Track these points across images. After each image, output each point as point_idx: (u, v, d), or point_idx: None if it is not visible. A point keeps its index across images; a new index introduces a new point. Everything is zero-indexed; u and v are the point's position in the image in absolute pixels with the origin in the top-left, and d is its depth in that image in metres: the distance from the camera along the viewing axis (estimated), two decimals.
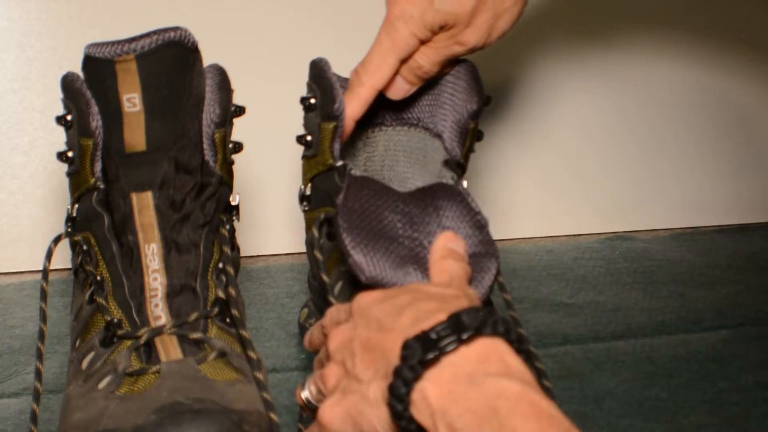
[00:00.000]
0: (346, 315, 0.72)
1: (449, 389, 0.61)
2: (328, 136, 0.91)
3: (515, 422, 0.58)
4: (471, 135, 0.93)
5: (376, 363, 0.66)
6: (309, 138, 0.93)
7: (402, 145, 0.96)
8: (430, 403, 0.61)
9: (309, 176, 0.94)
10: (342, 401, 0.68)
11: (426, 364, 0.62)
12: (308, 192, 0.94)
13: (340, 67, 0.94)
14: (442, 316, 0.64)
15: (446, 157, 0.92)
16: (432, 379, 0.62)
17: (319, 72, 0.92)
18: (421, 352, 0.62)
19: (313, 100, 0.93)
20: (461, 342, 0.62)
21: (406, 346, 0.63)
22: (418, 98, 0.95)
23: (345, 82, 0.93)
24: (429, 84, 0.94)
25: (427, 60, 0.92)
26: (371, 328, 0.67)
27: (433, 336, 0.62)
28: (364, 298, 0.71)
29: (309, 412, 0.74)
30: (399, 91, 0.93)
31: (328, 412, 0.68)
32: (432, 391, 0.61)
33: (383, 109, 0.96)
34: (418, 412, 0.62)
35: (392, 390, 0.63)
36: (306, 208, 0.95)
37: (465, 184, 0.89)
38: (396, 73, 0.92)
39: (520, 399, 0.59)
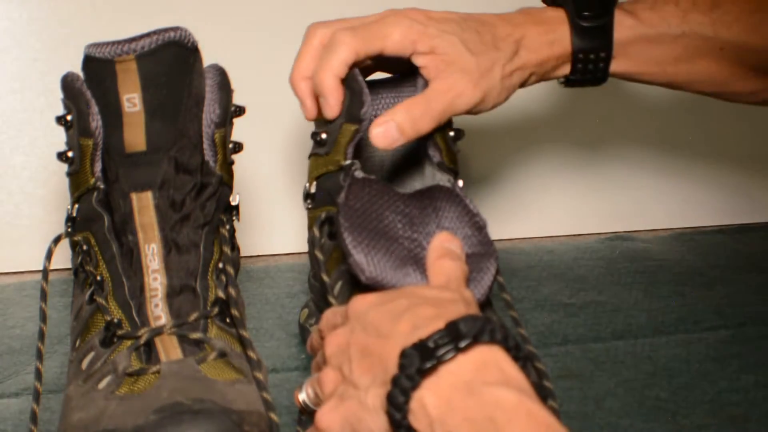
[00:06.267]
0: (342, 318, 0.72)
1: (447, 398, 0.61)
2: (348, 137, 0.91)
3: None
4: (444, 137, 0.93)
5: (373, 369, 0.66)
6: (324, 136, 0.93)
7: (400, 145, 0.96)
8: (428, 413, 0.61)
9: (315, 174, 0.94)
10: (340, 407, 0.67)
11: (424, 373, 0.62)
12: (312, 190, 0.94)
13: None
14: (440, 324, 0.64)
15: (438, 160, 0.92)
16: (430, 388, 0.62)
17: (351, 75, 0.92)
18: (419, 361, 0.62)
19: None
20: (459, 351, 0.62)
21: (404, 354, 0.63)
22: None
23: (370, 87, 0.93)
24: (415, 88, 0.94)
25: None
26: (368, 333, 0.67)
27: (431, 345, 0.62)
28: (360, 302, 0.70)
29: (307, 414, 0.74)
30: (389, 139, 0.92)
31: (326, 417, 0.68)
32: (430, 400, 0.61)
33: (381, 109, 0.96)
34: (417, 421, 0.62)
35: (390, 399, 0.62)
36: (309, 206, 0.95)
37: (461, 183, 0.89)
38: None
39: (517, 409, 0.59)
